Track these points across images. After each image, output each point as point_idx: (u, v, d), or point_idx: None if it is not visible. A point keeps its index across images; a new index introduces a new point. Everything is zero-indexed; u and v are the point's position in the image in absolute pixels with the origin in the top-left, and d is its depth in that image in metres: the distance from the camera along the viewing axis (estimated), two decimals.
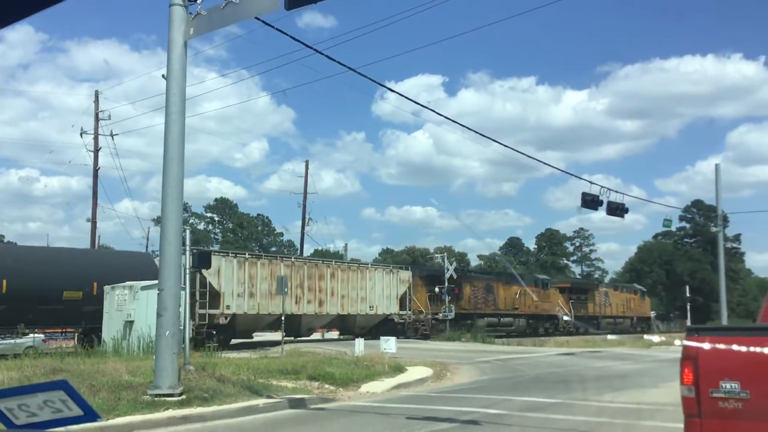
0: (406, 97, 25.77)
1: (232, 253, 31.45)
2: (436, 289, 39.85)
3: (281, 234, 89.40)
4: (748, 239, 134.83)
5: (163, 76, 13.29)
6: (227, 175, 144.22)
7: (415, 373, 18.66)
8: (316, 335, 38.20)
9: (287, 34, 14.38)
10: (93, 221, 40.72)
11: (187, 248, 15.67)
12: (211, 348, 20.73)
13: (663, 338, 40.35)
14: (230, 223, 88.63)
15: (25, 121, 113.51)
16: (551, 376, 19.15)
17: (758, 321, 8.09)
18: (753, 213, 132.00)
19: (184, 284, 15.08)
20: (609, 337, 44.57)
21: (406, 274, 37.91)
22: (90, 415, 1.95)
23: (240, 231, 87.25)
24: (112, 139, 40.50)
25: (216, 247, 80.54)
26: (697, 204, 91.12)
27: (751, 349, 5.43)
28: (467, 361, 23.43)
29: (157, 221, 41.86)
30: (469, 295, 43.02)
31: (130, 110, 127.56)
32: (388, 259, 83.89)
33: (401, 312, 37.06)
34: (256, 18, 12.79)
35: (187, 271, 15.72)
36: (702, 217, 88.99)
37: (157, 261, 18.30)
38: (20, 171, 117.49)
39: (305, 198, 52.28)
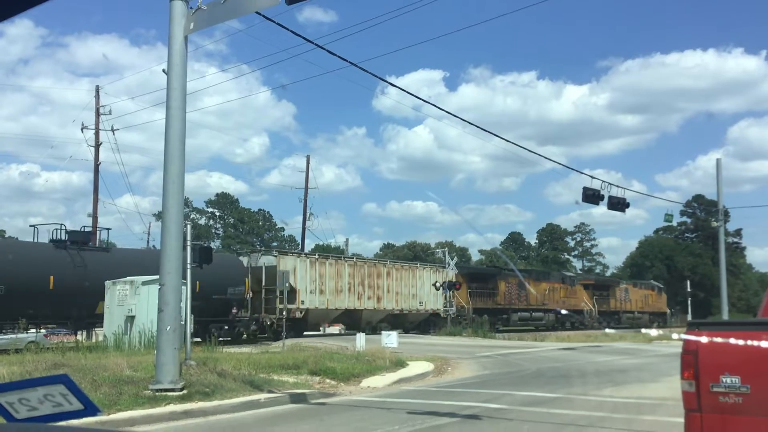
0: (407, 92, 25.74)
1: (304, 254, 35.61)
2: (437, 284, 39.92)
3: (282, 229, 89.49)
4: (749, 234, 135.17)
5: (163, 71, 13.29)
6: (228, 170, 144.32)
7: (416, 367, 18.69)
8: (332, 329, 39.19)
9: (288, 29, 14.36)
10: (94, 216, 40.76)
11: (188, 243, 15.68)
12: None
13: (661, 332, 40.70)
14: (231, 218, 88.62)
15: (26, 116, 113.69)
16: (552, 370, 19.17)
17: (759, 316, 8.09)
18: (754, 208, 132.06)
19: (185, 279, 15.11)
20: (608, 330, 45.68)
21: (451, 273, 41.20)
22: (90, 409, 1.95)
23: (241, 226, 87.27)
24: (113, 134, 40.54)
25: (217, 243, 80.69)
26: (698, 199, 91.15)
27: (752, 343, 5.43)
28: (468, 355, 23.46)
29: (159, 216, 41.88)
30: (504, 291, 45.62)
31: (131, 105, 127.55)
32: (389, 253, 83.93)
33: (446, 308, 40.37)
34: (257, 13, 12.77)
35: (189, 266, 15.74)
36: (703, 212, 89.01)
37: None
38: (21, 166, 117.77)
39: (306, 193, 52.33)
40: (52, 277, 24.20)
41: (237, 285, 30.26)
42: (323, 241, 68.48)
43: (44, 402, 1.90)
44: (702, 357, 5.59)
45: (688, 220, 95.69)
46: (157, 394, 11.72)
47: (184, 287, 14.10)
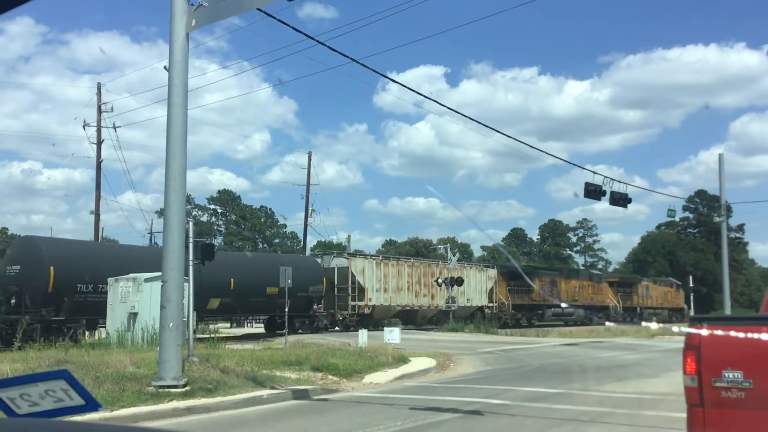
0: (409, 88, 25.72)
1: (371, 256, 39.98)
2: (439, 280, 39.96)
3: (284, 226, 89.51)
4: (752, 229, 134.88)
5: (165, 68, 13.29)
6: (229, 166, 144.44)
7: (418, 363, 18.70)
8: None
9: (289, 25, 14.35)
10: (96, 213, 40.80)
11: (191, 240, 15.69)
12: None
13: (661, 326, 41.08)
14: (233, 215, 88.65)
15: (27, 113, 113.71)
16: (554, 366, 19.17)
17: (761, 311, 8.09)
18: (756, 203, 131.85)
19: (188, 276, 15.13)
20: (608, 324, 46.68)
21: (493, 272, 45.37)
22: (91, 404, 1.96)
23: (243, 223, 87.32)
24: (115, 131, 40.55)
25: (219, 239, 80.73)
26: (701, 194, 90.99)
27: (755, 338, 5.43)
28: (470, 351, 23.47)
29: (161, 213, 41.91)
30: (539, 288, 48.31)
31: (132, 102, 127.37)
32: (391, 250, 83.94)
33: (489, 304, 44.06)
34: (258, 9, 12.76)
35: (191, 263, 15.75)
36: (705, 207, 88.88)
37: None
38: (23, 163, 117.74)
39: (308, 190, 52.29)
40: None
41: (316, 284, 33.63)
42: (325, 237, 68.53)
43: (45, 397, 1.91)
44: (704, 352, 5.59)
45: (691, 216, 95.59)
46: (159, 390, 11.74)
47: (186, 284, 14.13)
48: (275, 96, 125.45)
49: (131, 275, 23.63)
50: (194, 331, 16.68)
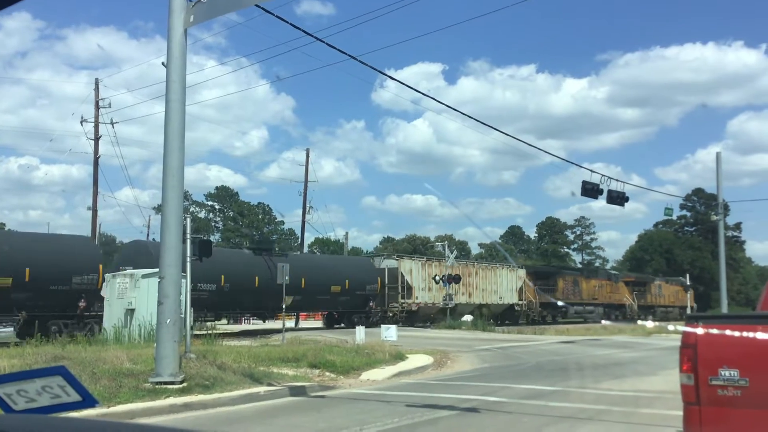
0: (406, 85, 25.69)
1: (417, 257, 43.67)
2: (436, 278, 40.02)
3: (282, 222, 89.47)
4: (749, 228, 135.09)
5: (163, 63, 13.26)
6: (227, 163, 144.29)
7: (415, 361, 18.72)
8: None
9: (287, 22, 14.33)
10: (94, 209, 40.76)
11: (188, 236, 15.67)
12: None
13: (657, 324, 41.43)
14: (231, 211, 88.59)
15: (24, 108, 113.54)
16: (551, 364, 19.20)
17: (758, 309, 8.10)
18: (753, 201, 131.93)
19: (185, 272, 15.11)
20: (604, 322, 47.58)
21: (522, 272, 48.28)
22: (88, 400, 1.96)
23: (241, 219, 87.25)
24: (113, 127, 40.49)
25: (217, 236, 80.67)
26: (698, 192, 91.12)
27: (751, 336, 5.44)
28: (467, 349, 23.49)
29: (158, 209, 41.89)
30: (562, 287, 51.19)
31: (130, 98, 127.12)
32: (389, 247, 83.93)
33: (519, 301, 47.04)
34: (256, 5, 12.74)
35: (188, 259, 15.74)
36: (702, 205, 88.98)
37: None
38: (20, 159, 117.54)
39: (306, 187, 52.28)
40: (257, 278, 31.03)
41: (372, 283, 37.08)
42: (323, 234, 68.53)
43: (42, 394, 1.91)
44: (701, 350, 5.60)
45: (688, 214, 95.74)
46: (156, 386, 11.73)
47: (183, 280, 14.11)
48: (273, 92, 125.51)
49: (128, 271, 23.62)
50: (191, 327, 16.67)
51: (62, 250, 25.84)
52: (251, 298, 31.52)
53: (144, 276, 22.46)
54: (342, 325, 35.67)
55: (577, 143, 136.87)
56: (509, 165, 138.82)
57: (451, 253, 44.09)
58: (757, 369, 5.40)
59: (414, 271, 39.49)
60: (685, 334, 5.75)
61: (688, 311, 55.14)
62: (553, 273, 53.13)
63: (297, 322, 37.80)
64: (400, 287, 38.11)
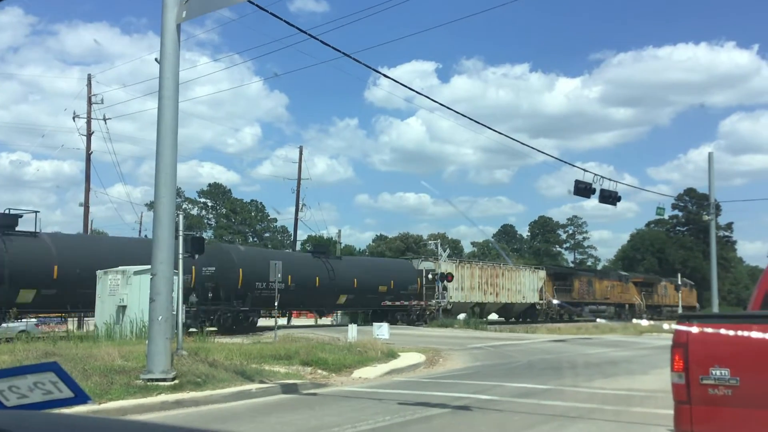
0: (400, 83, 25.64)
1: (450, 259, 45.65)
2: (429, 276, 40.12)
3: (275, 220, 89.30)
4: (740, 228, 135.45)
5: (156, 59, 13.24)
6: (220, 160, 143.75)
7: (407, 359, 18.73)
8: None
9: (281, 18, 14.31)
10: (86, 206, 40.64)
11: (180, 233, 15.63)
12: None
13: (650, 323, 41.92)
14: (224, 208, 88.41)
15: (16, 104, 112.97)
16: (542, 362, 19.25)
17: (749, 309, 8.14)
18: (745, 202, 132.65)
19: (177, 269, 15.07)
20: (599, 320, 48.67)
21: (542, 273, 51.68)
22: (80, 397, 1.95)
23: (233, 216, 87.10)
24: (105, 123, 40.33)
25: (209, 233, 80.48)
26: (690, 192, 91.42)
27: (742, 336, 5.46)
28: (460, 347, 23.52)
29: (150, 206, 41.77)
30: (578, 288, 54.06)
31: (122, 94, 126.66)
32: (381, 245, 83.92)
33: (540, 301, 50.05)
34: (249, 1, 12.72)
35: (181, 256, 15.69)
36: (694, 205, 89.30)
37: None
38: (12, 155, 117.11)
39: (299, 184, 52.21)
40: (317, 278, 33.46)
41: (412, 283, 40.18)
42: (315, 232, 68.37)
43: (34, 390, 1.90)
44: (692, 349, 5.62)
45: (680, 214, 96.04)
46: (148, 383, 11.71)
47: (175, 277, 14.08)
48: (266, 89, 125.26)
49: (120, 268, 23.53)
50: (183, 324, 16.63)
51: (142, 251, 27.96)
52: (313, 296, 34.70)
53: (136, 273, 22.38)
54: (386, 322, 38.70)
55: (570, 142, 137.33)
56: (502, 164, 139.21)
57: (444, 251, 44.15)
58: (747, 368, 5.43)
59: (450, 273, 42.28)
60: (676, 333, 5.78)
61: (679, 310, 55.63)
62: (569, 274, 56.37)
63: (289, 320, 38.09)
64: (437, 288, 41.03)
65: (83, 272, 24.70)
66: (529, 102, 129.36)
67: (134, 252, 26.40)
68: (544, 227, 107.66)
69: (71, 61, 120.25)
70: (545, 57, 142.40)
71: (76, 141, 42.62)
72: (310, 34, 15.15)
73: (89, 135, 40.30)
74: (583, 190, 25.02)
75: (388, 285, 38.57)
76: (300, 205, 52.09)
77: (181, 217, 16.05)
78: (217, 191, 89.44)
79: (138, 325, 20.50)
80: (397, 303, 38.47)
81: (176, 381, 12.00)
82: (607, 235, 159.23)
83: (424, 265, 42.33)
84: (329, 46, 15.20)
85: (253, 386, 12.70)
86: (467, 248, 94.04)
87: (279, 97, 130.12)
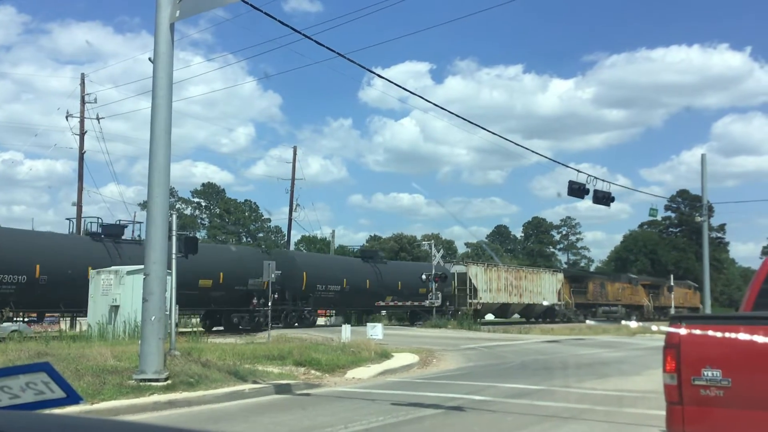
0: (394, 83, 25.57)
1: (480, 263, 49.37)
2: (423, 276, 40.14)
3: (269, 220, 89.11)
4: (733, 229, 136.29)
5: (149, 59, 13.19)
6: (213, 160, 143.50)
7: (401, 359, 18.73)
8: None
9: (275, 18, 14.29)
10: (78, 205, 40.45)
11: (174, 233, 15.59)
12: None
13: (641, 324, 42.56)
14: (217, 208, 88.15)
15: (9, 103, 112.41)
16: (536, 363, 19.28)
17: (741, 310, 8.18)
18: (737, 203, 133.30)
19: (170, 269, 15.03)
20: (588, 321, 49.95)
21: (561, 276, 54.81)
22: (72, 397, 1.94)
23: (227, 216, 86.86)
24: (98, 122, 40.20)
25: (203, 233, 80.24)
26: (683, 194, 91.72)
27: (733, 337, 5.49)
28: (453, 348, 23.54)
29: (143, 206, 41.67)
30: (592, 290, 56.95)
31: (115, 93, 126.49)
32: (375, 246, 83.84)
33: (558, 302, 52.71)
34: (243, 1, 12.70)
35: (174, 256, 15.66)
36: (687, 206, 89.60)
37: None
38: (4, 154, 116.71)
39: (293, 184, 52.15)
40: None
41: (447, 286, 43.35)
42: (309, 232, 68.38)
43: (26, 390, 1.89)
44: (684, 350, 5.64)
45: (673, 215, 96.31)
46: (141, 384, 11.68)
47: (169, 277, 14.04)
48: (260, 89, 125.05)
49: (113, 268, 23.48)
50: (176, 325, 16.59)
51: (241, 258, 32.80)
52: (363, 298, 38.28)
53: (129, 273, 22.33)
54: (416, 322, 42.33)
55: (564, 143, 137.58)
56: (496, 164, 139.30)
57: (438, 252, 44.20)
58: (739, 369, 5.45)
59: (478, 275, 45.96)
60: (668, 334, 5.80)
61: (672, 311, 56.04)
62: (584, 277, 60.01)
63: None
64: (468, 289, 44.50)
65: (184, 274, 26.28)
66: (522, 103, 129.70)
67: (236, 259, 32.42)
68: (537, 228, 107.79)
69: (64, 60, 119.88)
70: (539, 58, 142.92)
71: (69, 140, 42.56)
72: (304, 34, 15.14)
73: (82, 134, 40.18)
74: (576, 190, 25.07)
75: (427, 287, 41.83)
76: (294, 206, 52.07)
77: (174, 216, 16.02)
78: (210, 191, 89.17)
79: (131, 325, 20.46)
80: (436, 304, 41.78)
81: (169, 381, 11.97)
82: (600, 236, 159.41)
83: (456, 268, 45.78)
84: (323, 46, 15.21)
85: (246, 386, 12.68)
86: (461, 249, 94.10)
87: (273, 97, 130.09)
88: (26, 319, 27.99)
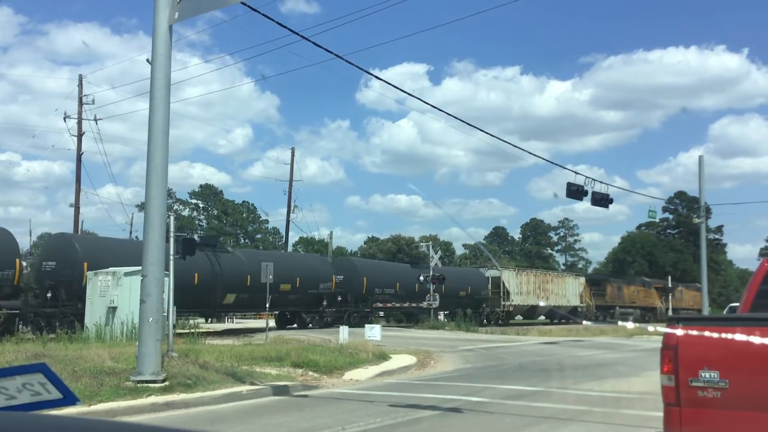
0: (391, 85, 25.60)
1: (511, 267, 54.64)
2: (421, 278, 40.19)
3: (266, 221, 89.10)
4: (730, 231, 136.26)
5: (147, 60, 13.20)
6: (211, 161, 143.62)
7: (399, 360, 18.72)
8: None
9: (273, 20, 14.30)
10: (76, 206, 40.43)
11: (171, 235, 15.58)
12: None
13: (637, 326, 42.92)
14: (215, 209, 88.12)
15: (6, 104, 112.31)
16: (533, 364, 19.27)
17: (739, 311, 8.19)
18: (735, 205, 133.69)
19: (168, 270, 15.02)
20: (585, 322, 51.93)
21: (582, 279, 59.13)
22: (69, 398, 1.94)
23: (225, 218, 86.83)
24: (96, 123, 40.15)
25: (201, 235, 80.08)
26: (680, 195, 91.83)
27: (731, 338, 5.49)
28: (451, 349, 23.53)
29: (141, 207, 41.66)
30: (609, 292, 60.49)
31: (113, 95, 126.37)
32: (373, 247, 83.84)
33: (580, 304, 56.37)
34: (242, 3, 12.70)
35: (171, 258, 15.64)
36: (685, 208, 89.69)
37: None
38: (1, 155, 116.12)
39: (291, 186, 52.14)
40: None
41: (483, 289, 48.69)
42: (307, 233, 68.29)
43: (23, 391, 1.89)
44: (681, 352, 5.65)
45: (670, 217, 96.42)
46: (138, 385, 11.66)
47: (166, 278, 14.03)
48: (257, 91, 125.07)
49: (111, 269, 23.45)
50: (173, 326, 16.58)
51: (313, 264, 37.65)
52: (413, 299, 41.82)
53: (126, 274, 22.31)
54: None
55: (561, 145, 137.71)
56: (493, 166, 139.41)
57: (435, 254, 44.22)
58: (737, 371, 5.46)
59: (511, 279, 49.58)
60: (666, 335, 5.80)
61: (670, 312, 56.25)
62: (602, 280, 63.42)
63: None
64: (501, 292, 48.27)
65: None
66: (520, 104, 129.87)
67: (301, 263, 36.47)
68: (535, 229, 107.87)
69: (61, 61, 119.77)
70: (536, 60, 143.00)
71: (66, 141, 42.59)
72: (301, 35, 15.15)
73: (80, 135, 40.13)
74: (575, 192, 25.12)
75: (467, 290, 47.16)
76: (292, 207, 52.04)
77: (172, 218, 16.01)
78: (208, 192, 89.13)
79: (128, 326, 20.43)
80: (475, 305, 46.93)
81: (166, 383, 11.95)
82: (598, 238, 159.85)
83: (490, 272, 49.86)
84: (321, 47, 15.22)
85: (243, 388, 12.67)
86: (459, 250, 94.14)
87: (270, 98, 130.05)
88: None
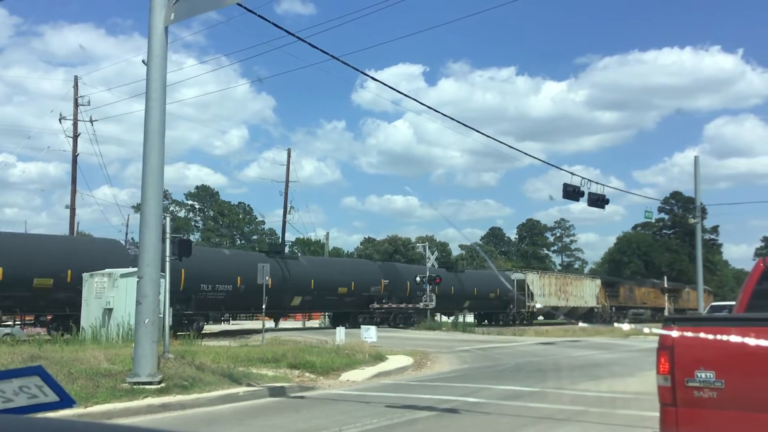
0: (387, 85, 25.63)
1: (534, 270, 58.23)
2: (417, 279, 40.18)
3: (263, 222, 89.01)
4: (726, 231, 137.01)
5: (143, 61, 13.17)
6: (207, 162, 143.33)
7: (395, 361, 18.72)
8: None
9: (268, 21, 14.29)
10: (72, 208, 40.34)
11: (168, 236, 15.56)
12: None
13: (633, 326, 43.17)
14: (211, 210, 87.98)
15: (0, 105, 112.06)
16: (530, 365, 19.28)
17: (734, 311, 8.21)
18: (730, 205, 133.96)
19: (164, 272, 15.00)
20: (581, 324, 53.10)
21: (598, 281, 61.95)
22: (66, 401, 1.94)
23: (221, 219, 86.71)
24: (92, 125, 40.09)
25: (197, 236, 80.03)
26: (676, 196, 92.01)
27: (726, 338, 5.50)
28: (447, 350, 23.53)
29: (137, 208, 41.62)
30: (623, 294, 63.51)
31: (108, 96, 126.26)
32: (370, 248, 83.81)
33: (596, 305, 59.20)
34: (238, 4, 12.70)
35: (167, 259, 15.62)
36: (680, 208, 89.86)
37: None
38: None
39: (287, 187, 52.10)
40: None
41: (510, 291, 50.46)
42: (303, 234, 68.27)
43: (19, 394, 1.89)
44: (677, 352, 5.66)
45: (666, 217, 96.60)
46: (134, 387, 11.64)
47: (162, 280, 14.01)
48: (253, 92, 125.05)
49: (107, 270, 23.41)
50: (170, 328, 16.55)
51: (364, 270, 41.02)
52: (450, 302, 45.09)
53: (122, 275, 22.27)
54: (490, 322, 51.75)
55: (557, 145, 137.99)
56: (489, 167, 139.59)
57: (432, 254, 44.20)
58: (732, 371, 5.47)
59: (534, 282, 52.89)
60: (662, 336, 5.81)
61: (666, 312, 56.49)
62: (616, 282, 66.06)
63: (277, 323, 38.46)
64: (525, 294, 51.39)
65: (328, 283, 36.39)
66: (515, 105, 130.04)
67: (348, 269, 39.90)
68: (531, 230, 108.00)
69: (56, 63, 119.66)
70: (532, 60, 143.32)
71: (62, 143, 42.30)
72: (298, 37, 15.15)
73: (75, 137, 40.06)
74: (571, 193, 25.17)
75: (495, 292, 50.10)
76: (288, 208, 52.01)
77: (168, 219, 15.99)
78: (204, 193, 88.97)
79: (125, 328, 20.39)
80: (502, 306, 51.03)
81: (163, 384, 11.94)
82: (594, 238, 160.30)
83: (516, 275, 53.30)
84: (317, 48, 15.21)
85: (240, 389, 12.65)
86: (455, 251, 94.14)
87: (266, 99, 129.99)
88: (18, 322, 27.88)
